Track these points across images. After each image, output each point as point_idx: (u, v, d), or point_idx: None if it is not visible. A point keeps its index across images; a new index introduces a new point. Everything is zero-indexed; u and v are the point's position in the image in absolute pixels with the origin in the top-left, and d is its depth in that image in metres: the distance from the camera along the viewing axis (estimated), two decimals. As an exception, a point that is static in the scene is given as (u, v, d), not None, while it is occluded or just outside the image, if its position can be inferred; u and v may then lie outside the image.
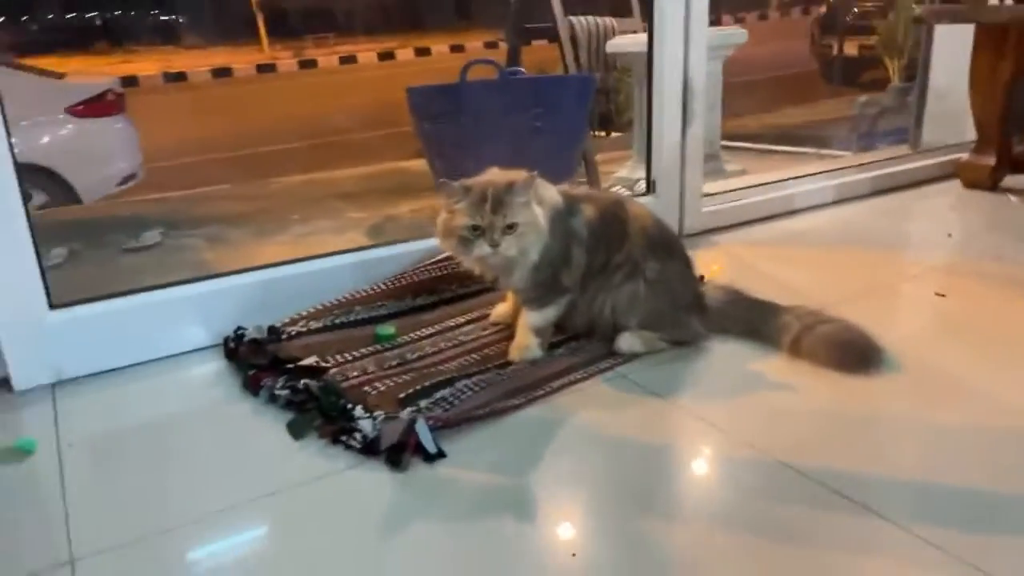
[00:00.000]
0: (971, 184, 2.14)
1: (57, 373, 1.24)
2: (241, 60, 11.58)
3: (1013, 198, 2.02)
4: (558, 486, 0.94)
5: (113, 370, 1.27)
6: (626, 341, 1.24)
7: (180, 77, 10.51)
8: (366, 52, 12.01)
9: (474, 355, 1.25)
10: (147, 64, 11.39)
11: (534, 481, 0.94)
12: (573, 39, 2.93)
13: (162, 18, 14.40)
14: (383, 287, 1.42)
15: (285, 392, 1.12)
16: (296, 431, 1.06)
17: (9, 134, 1.18)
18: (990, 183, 2.11)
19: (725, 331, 1.29)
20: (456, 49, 11.97)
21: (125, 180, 4.84)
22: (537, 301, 1.23)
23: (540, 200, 1.17)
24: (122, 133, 4.95)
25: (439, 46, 12.14)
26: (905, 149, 2.60)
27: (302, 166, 4.08)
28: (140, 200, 4.01)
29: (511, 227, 1.11)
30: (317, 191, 3.40)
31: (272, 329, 1.28)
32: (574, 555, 0.81)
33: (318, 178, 3.78)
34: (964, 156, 2.19)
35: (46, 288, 1.24)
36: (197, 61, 11.42)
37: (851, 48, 6.95)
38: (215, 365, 1.28)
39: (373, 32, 13.57)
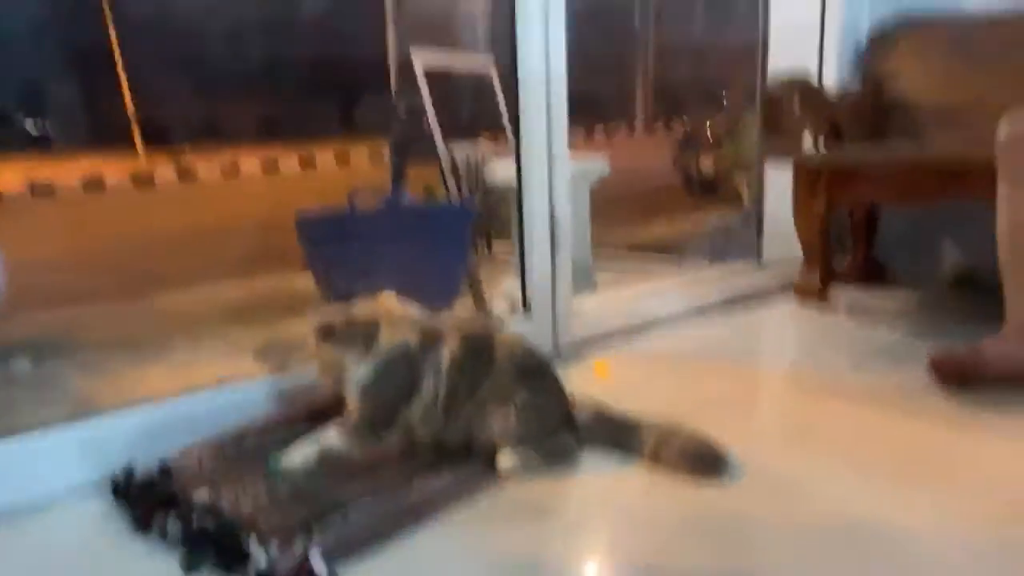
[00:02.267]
0: (804, 297, 2.46)
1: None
2: (115, 169, 11.27)
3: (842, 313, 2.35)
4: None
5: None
6: (505, 460, 1.35)
7: (47, 191, 10.07)
8: (249, 161, 11.99)
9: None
10: (11, 176, 10.90)
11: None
12: (453, 166, 3.16)
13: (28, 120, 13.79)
14: (276, 416, 1.48)
15: (178, 526, 1.15)
16: (188, 563, 1.09)
17: None
18: (819, 297, 2.43)
19: (593, 445, 1.43)
20: (341, 160, 12.14)
21: (-12, 300, 4.60)
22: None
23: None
24: (-17, 254, 4.74)
25: (324, 155, 12.29)
26: (750, 264, 2.94)
27: (183, 283, 4.02)
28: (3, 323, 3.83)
29: None
30: (200, 311, 3.38)
31: (163, 469, 1.30)
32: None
33: (201, 296, 3.75)
34: (796, 273, 2.52)
35: None
36: (67, 171, 11.02)
37: (707, 165, 7.72)
38: (101, 504, 1.28)
39: (255, 140, 13.56)
